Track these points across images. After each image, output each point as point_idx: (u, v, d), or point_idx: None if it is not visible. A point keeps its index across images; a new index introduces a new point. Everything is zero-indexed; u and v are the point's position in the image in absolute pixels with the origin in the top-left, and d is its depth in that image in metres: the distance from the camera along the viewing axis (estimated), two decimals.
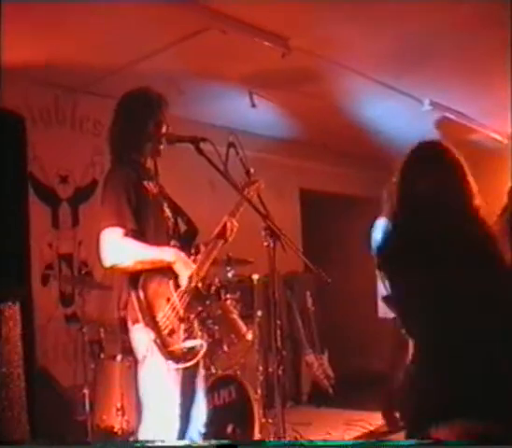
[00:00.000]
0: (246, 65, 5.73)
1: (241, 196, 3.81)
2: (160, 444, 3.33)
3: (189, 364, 3.48)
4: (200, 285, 3.67)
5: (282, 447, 3.39)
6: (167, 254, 3.56)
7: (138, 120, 3.72)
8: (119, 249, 3.47)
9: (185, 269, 3.57)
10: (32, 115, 5.70)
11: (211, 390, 4.72)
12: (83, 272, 5.85)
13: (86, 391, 4.76)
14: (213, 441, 3.86)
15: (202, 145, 3.70)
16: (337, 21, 4.96)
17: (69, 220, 5.97)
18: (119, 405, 4.58)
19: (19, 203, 2.14)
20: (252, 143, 5.14)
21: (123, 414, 4.55)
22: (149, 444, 3.30)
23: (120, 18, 4.66)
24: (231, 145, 3.83)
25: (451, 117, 7.24)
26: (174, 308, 3.51)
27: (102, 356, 5.01)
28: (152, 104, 3.77)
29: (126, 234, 3.47)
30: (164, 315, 3.47)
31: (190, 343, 3.50)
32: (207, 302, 3.79)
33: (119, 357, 4.73)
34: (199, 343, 3.57)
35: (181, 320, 3.50)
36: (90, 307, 5.24)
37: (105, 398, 4.72)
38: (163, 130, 3.76)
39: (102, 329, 5.13)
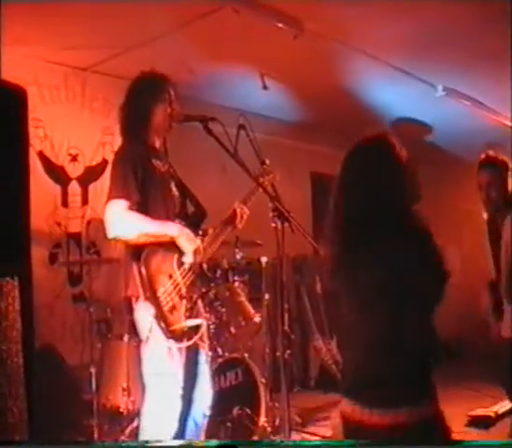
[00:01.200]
0: (258, 47, 5.68)
1: (253, 180, 3.82)
2: (161, 444, 3.33)
3: (190, 343, 3.49)
4: (205, 266, 3.68)
5: (282, 447, 3.39)
6: (171, 228, 3.60)
7: (145, 101, 3.82)
8: (122, 221, 3.53)
9: (189, 244, 3.59)
10: (42, 93, 5.68)
11: (218, 372, 4.70)
12: (91, 251, 5.87)
13: (92, 370, 4.76)
14: (213, 442, 3.88)
15: (212, 126, 3.71)
16: (351, 4, 4.91)
17: (79, 199, 5.96)
18: (125, 385, 4.57)
19: (21, 178, 2.12)
20: (263, 125, 5.11)
21: (129, 395, 4.53)
22: (150, 444, 3.30)
23: None
24: (241, 126, 3.84)
25: (465, 103, 7.18)
26: (176, 285, 3.52)
27: (109, 335, 5.02)
28: (159, 84, 3.87)
29: (131, 207, 3.52)
30: (166, 290, 3.48)
31: (191, 322, 3.50)
32: (212, 285, 3.80)
33: (125, 337, 4.70)
34: (200, 322, 3.58)
35: (183, 298, 3.51)
36: (97, 286, 5.24)
37: (111, 377, 4.70)
38: (170, 110, 3.82)
39: (109, 309, 5.14)
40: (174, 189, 3.83)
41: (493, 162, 4.68)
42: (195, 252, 3.60)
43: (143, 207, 3.59)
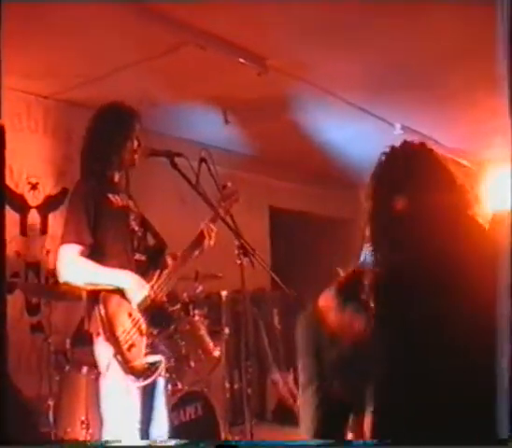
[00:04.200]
0: (221, 82, 5.76)
1: (215, 213, 3.84)
2: (160, 444, 3.32)
3: (148, 381, 3.48)
4: (165, 298, 3.68)
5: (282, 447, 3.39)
6: (120, 279, 3.55)
7: (109, 134, 3.75)
8: (73, 268, 3.52)
9: (135, 296, 3.55)
10: (3, 121, 5.64)
11: (177, 406, 4.69)
12: (50, 281, 5.78)
13: (50, 403, 4.70)
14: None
15: (176, 160, 3.74)
16: (314, 44, 5.07)
17: (38, 228, 5.91)
18: (83, 418, 4.52)
19: None
20: (224, 159, 5.15)
21: (88, 428, 4.48)
22: (150, 444, 3.27)
23: (98, 29, 4.69)
24: (203, 160, 3.84)
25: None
26: (136, 323, 3.51)
27: (67, 367, 4.91)
28: (124, 118, 3.82)
29: (83, 252, 3.51)
30: (124, 330, 3.47)
31: (151, 359, 3.49)
32: (172, 319, 3.79)
33: (84, 370, 4.65)
34: (159, 358, 3.57)
35: (142, 335, 3.51)
36: (56, 317, 5.19)
37: (69, 410, 4.64)
38: (135, 144, 3.79)
39: (68, 340, 5.04)
40: (132, 223, 3.79)
41: None
42: (140, 304, 3.57)
43: (97, 248, 3.57)
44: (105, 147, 3.74)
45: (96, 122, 3.84)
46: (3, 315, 2.24)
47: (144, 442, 3.55)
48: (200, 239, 3.84)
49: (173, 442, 3.66)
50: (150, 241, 3.97)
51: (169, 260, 3.82)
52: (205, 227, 3.85)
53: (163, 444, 3.62)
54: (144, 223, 3.91)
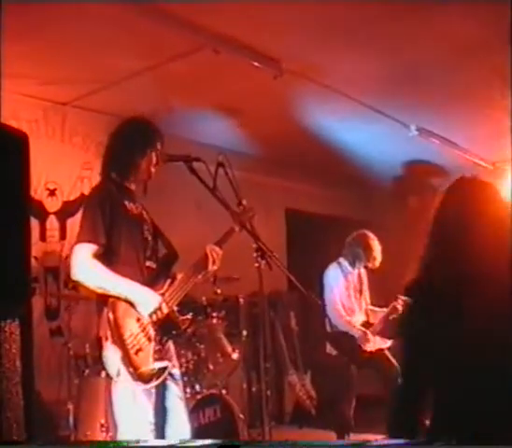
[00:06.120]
0: (237, 86, 5.78)
1: (234, 219, 3.83)
2: (160, 444, 3.32)
3: (152, 385, 3.48)
4: (175, 308, 3.67)
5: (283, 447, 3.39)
6: (130, 292, 3.53)
7: (133, 148, 3.77)
8: (85, 269, 3.52)
9: (145, 309, 3.54)
10: (21, 127, 5.67)
11: (196, 409, 4.71)
12: (69, 286, 5.82)
13: (70, 406, 4.74)
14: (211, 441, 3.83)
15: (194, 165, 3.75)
16: (329, 46, 5.07)
17: (56, 234, 5.97)
18: (103, 421, 4.56)
19: (20, 220, 2.15)
20: (240, 162, 5.16)
21: (107, 431, 4.52)
22: (150, 444, 3.28)
23: (114, 34, 4.71)
24: (220, 164, 3.84)
25: (436, 142, 7.33)
26: (144, 328, 3.52)
27: (86, 371, 4.95)
28: (148, 134, 3.81)
29: (97, 252, 3.51)
30: (132, 334, 3.47)
31: (157, 365, 3.49)
32: (183, 327, 3.77)
33: (103, 373, 4.66)
34: (166, 364, 3.56)
35: (151, 340, 3.51)
36: (75, 322, 5.21)
37: (89, 413, 4.69)
38: (154, 160, 3.78)
39: (87, 345, 5.07)
40: (146, 232, 3.80)
41: None
42: (151, 315, 3.56)
43: (110, 252, 3.58)
44: (126, 158, 3.77)
45: (120, 135, 3.86)
46: (29, 320, 2.27)
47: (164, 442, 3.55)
48: (204, 262, 3.81)
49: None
50: (162, 251, 3.97)
51: (179, 275, 3.80)
52: (209, 250, 3.82)
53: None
54: (156, 233, 3.91)
